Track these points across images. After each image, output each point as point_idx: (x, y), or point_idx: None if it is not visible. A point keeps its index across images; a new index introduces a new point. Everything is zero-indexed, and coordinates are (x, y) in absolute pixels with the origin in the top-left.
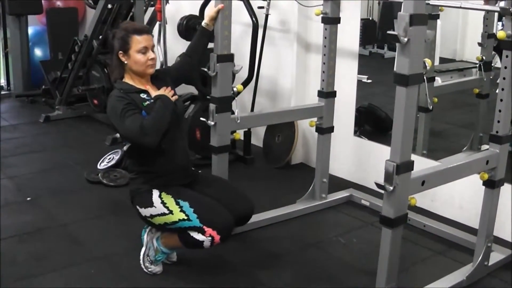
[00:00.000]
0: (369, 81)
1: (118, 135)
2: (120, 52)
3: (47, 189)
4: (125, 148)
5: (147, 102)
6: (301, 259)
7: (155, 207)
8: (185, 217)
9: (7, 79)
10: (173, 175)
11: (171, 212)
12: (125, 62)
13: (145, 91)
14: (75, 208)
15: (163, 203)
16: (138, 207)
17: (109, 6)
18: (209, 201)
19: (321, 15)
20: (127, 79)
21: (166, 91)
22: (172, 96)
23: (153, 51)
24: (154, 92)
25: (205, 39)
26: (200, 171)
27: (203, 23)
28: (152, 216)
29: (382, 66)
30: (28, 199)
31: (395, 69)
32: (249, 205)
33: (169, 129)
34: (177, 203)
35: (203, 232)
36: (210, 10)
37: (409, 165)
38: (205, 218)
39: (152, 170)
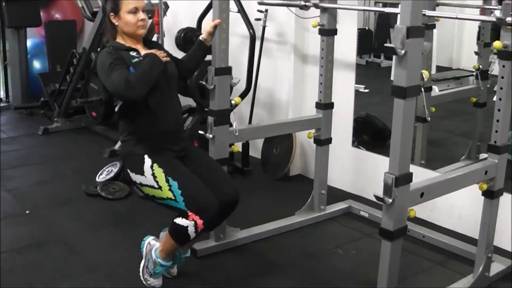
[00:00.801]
0: (366, 90)
1: (116, 147)
2: (111, 14)
3: (46, 202)
4: (116, 108)
5: (136, 59)
6: (301, 271)
7: (145, 177)
8: (172, 197)
9: (6, 91)
10: (163, 137)
11: (160, 187)
12: (116, 23)
13: (135, 50)
14: (73, 220)
15: (153, 175)
16: (129, 170)
17: None
18: (197, 184)
19: (318, 27)
20: (119, 40)
21: (157, 52)
22: (163, 58)
23: (143, 12)
24: (144, 51)
25: (201, 53)
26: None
27: (200, 37)
28: (141, 185)
29: (379, 75)
30: (27, 212)
31: (393, 81)
32: (234, 193)
33: (157, 87)
34: (167, 181)
35: (186, 217)
36: (207, 25)
37: (408, 177)
38: (190, 202)
39: (142, 129)
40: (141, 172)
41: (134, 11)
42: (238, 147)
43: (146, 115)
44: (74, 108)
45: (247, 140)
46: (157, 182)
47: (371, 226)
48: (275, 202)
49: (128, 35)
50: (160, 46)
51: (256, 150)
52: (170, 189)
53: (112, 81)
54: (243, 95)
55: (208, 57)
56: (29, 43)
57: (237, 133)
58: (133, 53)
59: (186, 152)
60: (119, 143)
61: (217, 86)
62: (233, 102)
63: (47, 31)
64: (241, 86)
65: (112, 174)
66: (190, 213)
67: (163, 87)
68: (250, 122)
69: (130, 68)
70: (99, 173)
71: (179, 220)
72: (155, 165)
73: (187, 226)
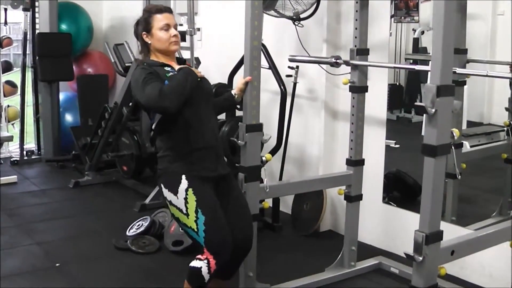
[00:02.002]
0: (397, 146)
1: (147, 201)
2: (144, 33)
3: (76, 256)
4: (153, 126)
5: (170, 73)
6: None
7: (177, 198)
8: (195, 230)
9: (38, 144)
10: (202, 153)
11: (187, 215)
12: (149, 42)
13: (169, 65)
14: (103, 275)
15: (185, 200)
16: (163, 185)
17: None
18: (223, 227)
19: (349, 84)
20: (153, 58)
21: (192, 68)
22: (198, 74)
23: (175, 29)
24: (178, 66)
25: (226, 104)
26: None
27: (232, 92)
28: (171, 203)
29: (410, 131)
30: (57, 265)
31: (423, 134)
32: (249, 241)
33: (194, 102)
34: (196, 212)
35: (202, 252)
36: (239, 82)
37: (439, 235)
38: (210, 242)
39: (180, 145)
40: (175, 192)
41: (166, 28)
42: (268, 203)
43: (184, 131)
44: (105, 162)
45: (277, 196)
46: (186, 208)
47: (402, 283)
48: (305, 258)
49: (161, 52)
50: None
51: (286, 206)
52: (196, 221)
53: (146, 93)
54: (273, 152)
55: (239, 113)
56: (61, 96)
57: (267, 190)
58: (167, 68)
59: (223, 178)
60: (150, 197)
61: (248, 143)
62: (264, 158)
63: (79, 85)
64: (272, 142)
65: (142, 228)
66: (205, 251)
67: (200, 103)
68: (280, 178)
69: (165, 81)
70: (130, 227)
71: (194, 263)
72: (190, 190)
73: (201, 267)
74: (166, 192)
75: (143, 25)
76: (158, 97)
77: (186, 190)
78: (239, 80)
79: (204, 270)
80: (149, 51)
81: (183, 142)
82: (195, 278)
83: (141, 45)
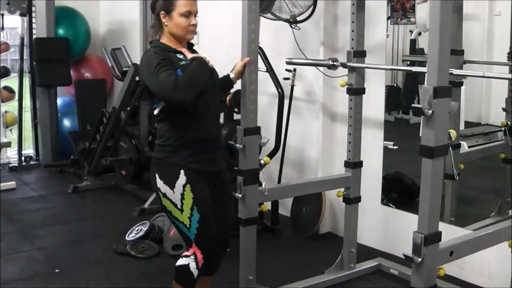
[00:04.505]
0: (395, 147)
1: (146, 205)
2: (162, 12)
3: (75, 261)
4: (156, 111)
5: (183, 62)
6: None
7: (173, 192)
8: (187, 226)
9: (36, 149)
10: (205, 144)
11: (181, 210)
12: (166, 23)
13: (181, 53)
14: (103, 280)
15: (182, 196)
16: (157, 175)
17: (137, 78)
18: (213, 227)
19: (346, 86)
20: (164, 41)
21: (203, 56)
22: (209, 63)
23: (195, 17)
24: (190, 55)
25: (221, 87)
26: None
27: (229, 74)
28: (165, 196)
29: (408, 132)
30: (57, 271)
31: (421, 141)
32: (228, 240)
33: (204, 93)
34: (191, 209)
35: (190, 245)
36: (237, 64)
37: (437, 236)
38: (199, 238)
39: (182, 136)
40: (171, 186)
41: (187, 14)
42: (267, 206)
43: (190, 121)
44: (104, 167)
45: (276, 199)
46: (182, 204)
47: (401, 284)
48: (305, 261)
49: (175, 38)
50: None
51: (285, 208)
52: (189, 218)
53: (159, 82)
54: (272, 155)
55: (237, 116)
56: (59, 101)
57: (266, 193)
58: (180, 56)
59: (220, 173)
60: (149, 201)
61: (246, 146)
62: (262, 161)
63: (77, 90)
64: (270, 145)
65: (141, 233)
66: (194, 245)
67: (208, 94)
68: (279, 181)
69: (178, 70)
70: (129, 231)
71: (180, 261)
72: (187, 186)
73: (188, 264)
74: (161, 184)
75: (164, 5)
76: (172, 89)
77: (184, 186)
78: (237, 62)
79: (192, 266)
80: (162, 31)
81: (187, 132)
82: (185, 276)
83: (156, 22)
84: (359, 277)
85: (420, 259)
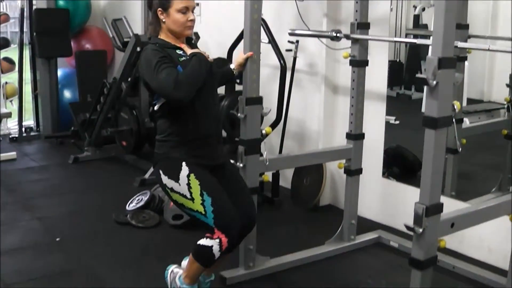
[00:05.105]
0: (397, 122)
1: (147, 176)
2: (160, 9)
3: (76, 231)
4: (156, 107)
5: (183, 58)
6: None
7: (179, 184)
8: (203, 212)
9: (37, 121)
10: (205, 140)
11: (192, 199)
12: (163, 20)
13: (181, 48)
14: (103, 249)
15: (188, 185)
16: (161, 172)
17: (138, 49)
18: (228, 204)
19: (349, 58)
20: (162, 37)
21: (202, 51)
22: (208, 57)
23: (193, 13)
24: (189, 50)
25: (224, 80)
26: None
27: (231, 66)
28: (172, 190)
29: (410, 108)
30: (57, 239)
31: (424, 109)
32: (254, 216)
33: (203, 89)
34: (201, 194)
35: (212, 232)
36: (239, 57)
37: (439, 207)
38: (219, 220)
39: (184, 131)
40: (176, 179)
41: (185, 11)
42: (268, 176)
43: (190, 116)
44: (104, 138)
45: (277, 170)
46: (191, 193)
47: (401, 257)
48: (305, 232)
49: (174, 34)
50: (198, 49)
51: (286, 180)
52: (202, 204)
53: (160, 80)
54: (273, 126)
55: (239, 88)
56: (59, 73)
57: (267, 163)
58: (179, 52)
59: (221, 162)
60: (149, 172)
61: (248, 116)
62: (263, 132)
63: (77, 61)
64: (272, 116)
65: (142, 203)
66: (216, 231)
67: (207, 89)
68: (280, 153)
69: (178, 66)
70: (129, 201)
71: (203, 241)
72: (192, 175)
73: (212, 246)
74: (166, 180)
75: (161, 2)
76: (173, 87)
77: (188, 176)
78: (239, 55)
79: (216, 249)
80: (160, 28)
81: (187, 128)
82: (205, 256)
83: (153, 19)
84: (359, 249)
85: (421, 230)
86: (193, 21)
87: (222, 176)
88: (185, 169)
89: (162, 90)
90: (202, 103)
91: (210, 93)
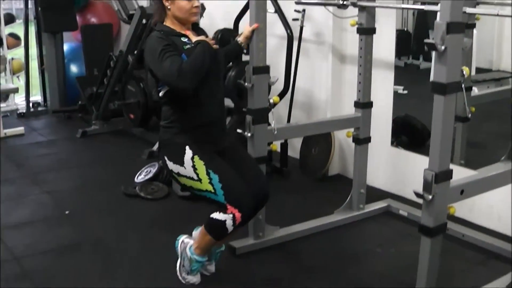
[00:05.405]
0: (405, 92)
1: (155, 148)
2: None
3: (85, 203)
4: (161, 94)
5: (188, 46)
6: (338, 271)
7: (185, 168)
8: (212, 190)
9: (44, 96)
10: (209, 127)
11: (200, 180)
12: (168, 7)
13: (186, 36)
14: (112, 221)
15: (194, 167)
16: (166, 158)
17: (144, 21)
18: (237, 179)
19: (356, 26)
20: (168, 24)
21: (207, 38)
22: (213, 45)
23: None
24: (194, 38)
25: (233, 55)
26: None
27: (237, 39)
28: (179, 175)
29: (418, 77)
30: (67, 212)
31: (432, 77)
32: (266, 188)
33: (208, 77)
34: (208, 173)
35: (225, 210)
36: (245, 29)
37: (448, 174)
38: (230, 196)
39: (188, 118)
40: (181, 163)
41: None
42: (276, 146)
43: (194, 104)
44: (112, 111)
45: (285, 140)
46: (197, 174)
47: (410, 225)
48: (314, 202)
49: (179, 21)
50: (204, 33)
51: (294, 150)
52: (210, 182)
53: (164, 68)
54: (281, 95)
55: (246, 57)
56: (65, 47)
57: (275, 132)
58: (184, 39)
59: (225, 146)
60: (157, 144)
61: (255, 85)
62: (271, 101)
63: (83, 35)
64: (279, 87)
65: (151, 175)
66: (229, 206)
67: (212, 76)
68: (288, 122)
69: (182, 55)
70: (138, 173)
71: (217, 215)
72: (196, 157)
73: (225, 220)
74: (172, 165)
75: None
76: (177, 77)
77: (192, 158)
78: (245, 28)
79: (229, 223)
80: (165, 15)
81: (191, 115)
82: (218, 230)
83: (159, 5)
84: (368, 218)
85: (430, 197)
86: (198, 7)
87: (229, 158)
88: (188, 152)
89: (166, 79)
90: (207, 90)
91: (215, 81)
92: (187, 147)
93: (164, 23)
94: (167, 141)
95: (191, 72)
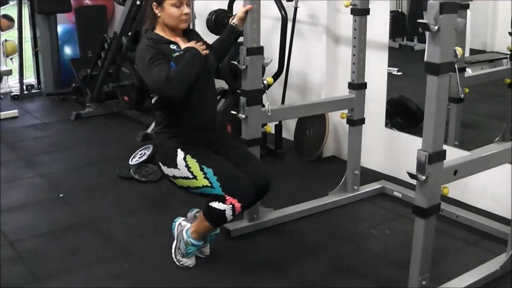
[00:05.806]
0: (399, 73)
1: (149, 130)
2: (154, 3)
3: (79, 186)
4: (153, 101)
5: (177, 54)
6: (333, 252)
7: (179, 169)
8: (208, 184)
9: (38, 78)
10: (200, 132)
11: (195, 177)
12: (158, 14)
13: (175, 43)
14: (107, 204)
15: (187, 166)
16: (161, 164)
17: (138, 2)
18: (233, 169)
19: (350, 7)
20: (158, 31)
21: (196, 44)
22: (202, 51)
23: (187, 6)
24: (184, 44)
25: (233, 37)
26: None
27: (231, 22)
28: (175, 177)
29: (412, 59)
30: (61, 195)
31: (425, 58)
32: (267, 176)
33: (197, 82)
34: (201, 169)
35: (224, 201)
36: (239, 11)
37: (441, 155)
38: (227, 187)
39: (179, 124)
40: (174, 165)
41: (179, 4)
42: (270, 127)
43: (185, 110)
44: (106, 93)
45: (279, 121)
46: (191, 172)
47: (405, 207)
48: (308, 183)
49: (169, 27)
50: (197, 36)
51: (289, 132)
52: (205, 177)
53: (152, 77)
54: (275, 77)
55: (240, 39)
56: (59, 29)
57: (269, 113)
58: (173, 47)
59: (219, 145)
60: (151, 126)
61: (249, 66)
62: (265, 82)
63: (77, 16)
64: (274, 67)
65: (145, 157)
66: (227, 197)
67: (202, 81)
68: (282, 104)
69: (171, 62)
70: (132, 156)
71: (216, 204)
72: (188, 156)
73: (224, 210)
74: (166, 169)
75: None
76: (164, 85)
77: (184, 159)
78: (239, 9)
79: (228, 213)
80: (156, 22)
81: (182, 121)
82: (217, 219)
83: (149, 13)
84: (363, 199)
85: (424, 177)
86: (187, 14)
87: (225, 154)
88: (180, 154)
89: (154, 87)
90: (197, 97)
91: (205, 86)
92: (178, 150)
93: (155, 30)
94: (160, 146)
95: (178, 80)
